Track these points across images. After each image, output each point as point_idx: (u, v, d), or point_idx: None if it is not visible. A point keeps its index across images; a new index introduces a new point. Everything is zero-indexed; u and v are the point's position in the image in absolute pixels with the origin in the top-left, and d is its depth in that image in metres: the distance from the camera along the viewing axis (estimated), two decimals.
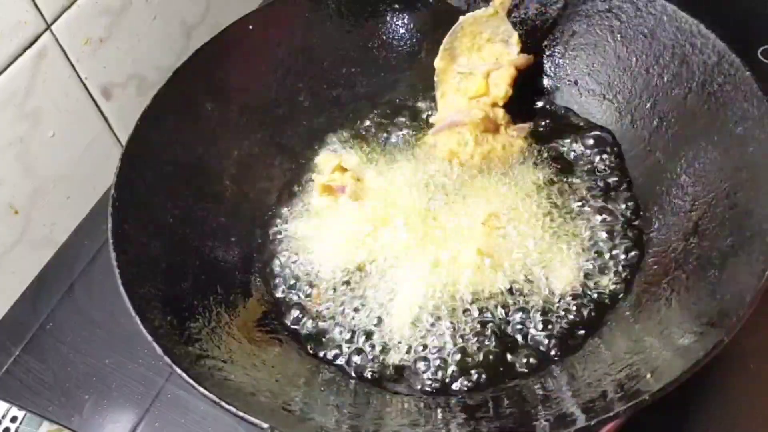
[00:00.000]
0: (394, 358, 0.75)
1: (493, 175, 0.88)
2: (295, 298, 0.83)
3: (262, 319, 0.80)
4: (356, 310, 0.79)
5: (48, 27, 0.87)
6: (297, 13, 0.95)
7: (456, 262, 0.80)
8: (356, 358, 0.76)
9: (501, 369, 0.74)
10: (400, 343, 0.76)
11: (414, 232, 0.83)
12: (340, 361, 0.77)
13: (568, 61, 0.94)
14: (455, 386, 0.73)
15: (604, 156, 0.89)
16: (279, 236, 0.89)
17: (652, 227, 0.81)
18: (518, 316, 0.76)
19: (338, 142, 0.96)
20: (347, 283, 0.82)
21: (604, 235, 0.82)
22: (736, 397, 0.74)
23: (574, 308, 0.76)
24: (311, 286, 0.83)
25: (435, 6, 0.97)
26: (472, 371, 0.73)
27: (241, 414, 0.59)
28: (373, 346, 0.77)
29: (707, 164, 0.77)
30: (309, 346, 0.78)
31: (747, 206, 0.69)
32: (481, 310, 0.77)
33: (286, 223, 0.90)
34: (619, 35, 0.88)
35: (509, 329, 0.76)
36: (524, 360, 0.74)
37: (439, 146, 0.91)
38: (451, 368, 0.74)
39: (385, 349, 0.76)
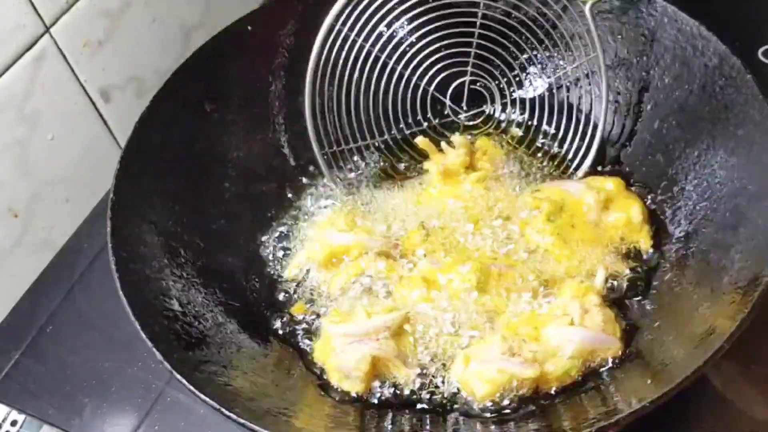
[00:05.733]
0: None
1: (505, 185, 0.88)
2: (295, 301, 0.83)
3: (262, 323, 0.80)
4: None
5: (47, 30, 0.87)
6: (295, 14, 0.95)
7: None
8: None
9: None
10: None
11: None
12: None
13: (568, 63, 0.94)
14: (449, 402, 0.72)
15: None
16: (279, 238, 0.88)
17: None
18: None
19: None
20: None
21: None
22: (737, 400, 0.74)
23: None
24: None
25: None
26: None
27: (241, 420, 0.60)
28: None
29: (708, 166, 0.77)
30: (309, 352, 0.78)
31: (747, 209, 0.69)
32: None
33: (287, 225, 0.89)
34: (619, 36, 0.88)
35: None
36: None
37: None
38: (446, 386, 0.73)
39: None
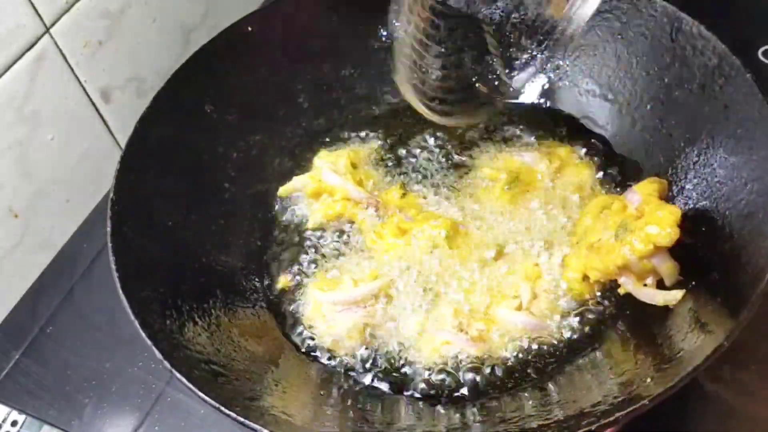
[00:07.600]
0: (397, 365, 0.76)
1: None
2: (294, 301, 0.83)
3: (261, 323, 0.80)
4: None
5: (47, 30, 0.87)
6: (296, 14, 0.95)
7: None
8: (355, 363, 0.77)
9: (501, 375, 0.74)
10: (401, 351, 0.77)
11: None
12: (341, 366, 0.77)
13: (568, 63, 0.94)
14: (455, 392, 0.73)
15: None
16: (278, 239, 0.88)
17: None
18: None
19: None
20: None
21: None
22: (737, 399, 0.74)
23: (574, 313, 0.77)
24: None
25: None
26: (469, 377, 0.74)
27: (240, 419, 0.59)
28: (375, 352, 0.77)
29: (708, 166, 0.77)
30: (308, 351, 0.78)
31: (747, 209, 0.69)
32: None
33: (286, 226, 0.89)
34: (619, 37, 0.88)
35: None
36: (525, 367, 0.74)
37: None
38: (450, 375, 0.74)
39: (388, 357, 0.76)
